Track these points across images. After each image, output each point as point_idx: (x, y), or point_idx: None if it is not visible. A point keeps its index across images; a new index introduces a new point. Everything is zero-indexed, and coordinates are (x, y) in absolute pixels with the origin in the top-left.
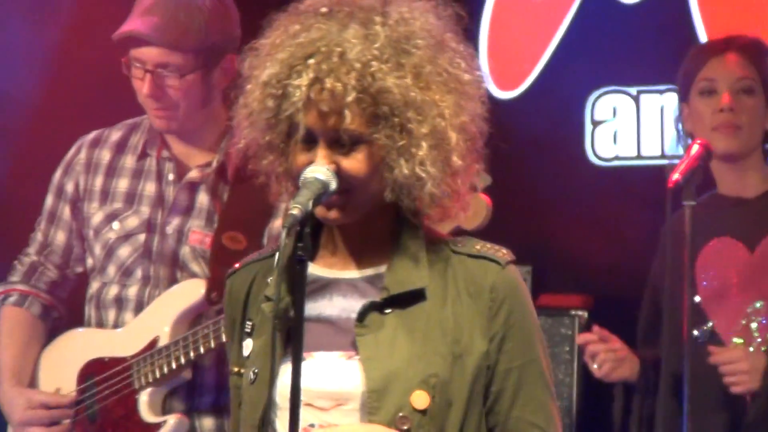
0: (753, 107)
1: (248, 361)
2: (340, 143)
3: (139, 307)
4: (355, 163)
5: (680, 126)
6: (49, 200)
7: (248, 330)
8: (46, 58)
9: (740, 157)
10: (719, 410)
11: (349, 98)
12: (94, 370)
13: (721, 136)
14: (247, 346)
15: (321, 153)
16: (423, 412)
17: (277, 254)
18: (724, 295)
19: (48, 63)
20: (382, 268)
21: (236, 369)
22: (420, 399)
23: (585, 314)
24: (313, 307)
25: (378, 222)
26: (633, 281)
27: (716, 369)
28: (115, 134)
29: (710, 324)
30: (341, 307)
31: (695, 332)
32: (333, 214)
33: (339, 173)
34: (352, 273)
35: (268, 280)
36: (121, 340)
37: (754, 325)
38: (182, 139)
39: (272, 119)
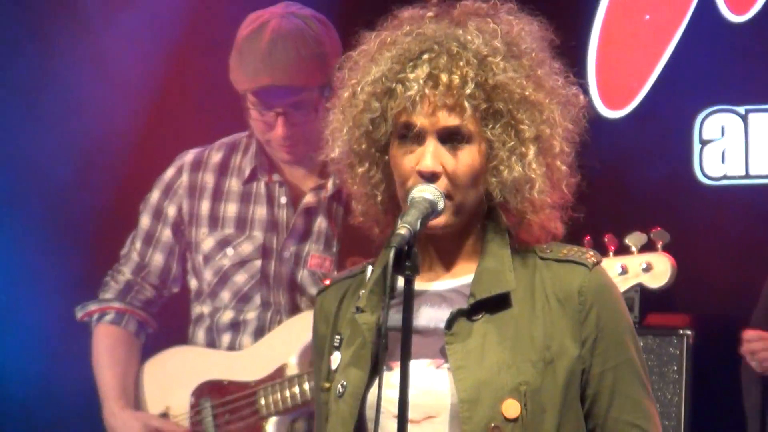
0: None
1: (336, 374)
2: (450, 142)
3: (260, 332)
4: (463, 163)
5: None
6: (146, 221)
7: (336, 344)
8: (147, 82)
9: None
10: None
11: (467, 91)
12: (210, 392)
13: None
14: (335, 359)
15: (429, 150)
16: (515, 420)
17: (368, 271)
18: None
19: (149, 87)
20: (470, 278)
21: (327, 385)
22: (511, 408)
23: (693, 333)
24: (401, 318)
25: (470, 233)
26: (738, 300)
27: None
28: (216, 155)
29: None
30: (429, 317)
31: None
32: (443, 219)
33: (446, 173)
34: (441, 284)
35: (360, 293)
36: (241, 364)
37: None
38: (291, 161)
39: (377, 119)
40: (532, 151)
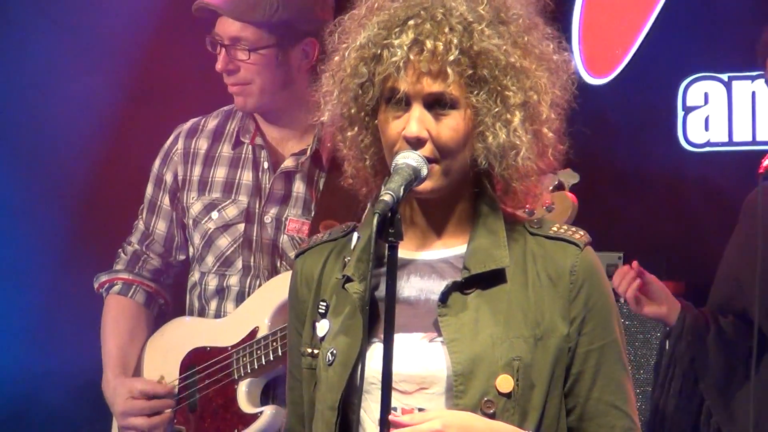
0: None
1: (324, 342)
2: (434, 107)
3: (241, 297)
4: (448, 128)
5: None
6: (150, 190)
7: (322, 310)
8: (145, 47)
9: None
10: None
11: (451, 58)
12: (196, 360)
13: None
14: (322, 326)
15: (415, 116)
16: (507, 395)
17: (354, 237)
18: None
19: (147, 53)
20: (461, 249)
21: (309, 350)
22: (505, 382)
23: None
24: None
25: (459, 201)
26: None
27: None
28: (212, 122)
29: None
30: (419, 287)
31: None
32: (429, 185)
33: (432, 138)
34: (430, 254)
35: (346, 260)
36: (222, 330)
37: None
38: (273, 124)
39: (363, 85)
40: (518, 117)
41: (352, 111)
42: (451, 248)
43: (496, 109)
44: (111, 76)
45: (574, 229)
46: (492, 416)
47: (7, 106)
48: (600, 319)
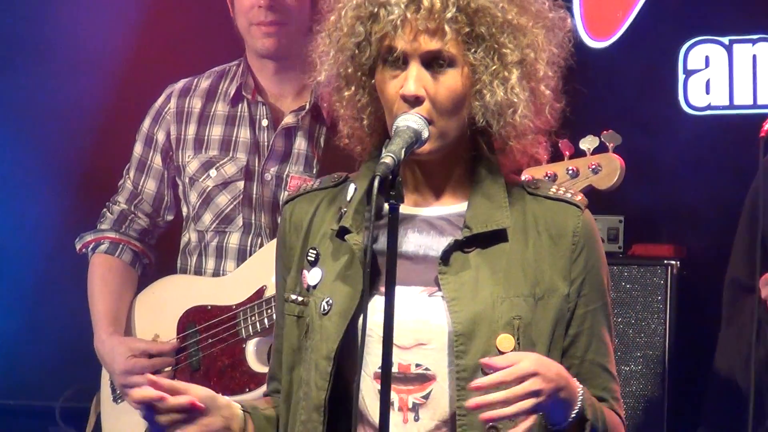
0: None
1: (316, 290)
2: (432, 66)
3: (242, 256)
4: (446, 86)
5: None
6: (138, 149)
7: (311, 258)
8: (137, 7)
9: None
10: None
11: (448, 15)
12: (195, 318)
13: None
14: (314, 275)
15: (412, 75)
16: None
17: (351, 188)
18: None
19: (138, 12)
20: (461, 207)
21: (294, 296)
22: (506, 341)
23: (677, 263)
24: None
25: (456, 159)
26: (725, 230)
27: None
28: (205, 82)
29: None
30: (417, 243)
31: None
32: (429, 146)
33: (429, 97)
34: (429, 210)
35: (342, 210)
36: (224, 288)
37: None
38: (277, 74)
39: (360, 44)
40: (515, 75)
41: (349, 70)
42: (449, 206)
43: (494, 67)
44: (111, 42)
45: (572, 191)
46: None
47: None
48: (597, 282)
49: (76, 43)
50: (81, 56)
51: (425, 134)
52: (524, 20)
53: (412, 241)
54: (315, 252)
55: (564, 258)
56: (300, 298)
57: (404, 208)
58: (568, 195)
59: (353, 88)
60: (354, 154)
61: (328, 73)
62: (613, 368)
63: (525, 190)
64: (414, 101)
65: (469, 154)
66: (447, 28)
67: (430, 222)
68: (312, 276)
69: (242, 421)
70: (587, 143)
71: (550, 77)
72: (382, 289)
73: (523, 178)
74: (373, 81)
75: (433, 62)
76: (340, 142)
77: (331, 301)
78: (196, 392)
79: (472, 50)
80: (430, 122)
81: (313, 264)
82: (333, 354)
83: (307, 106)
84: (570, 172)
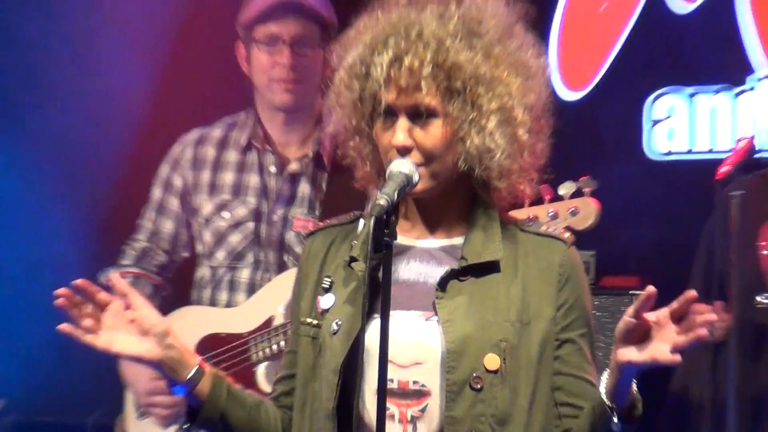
0: None
1: (329, 314)
2: (418, 117)
3: (251, 289)
4: (431, 135)
5: None
6: (157, 193)
7: (326, 286)
8: (154, 62)
9: None
10: None
11: (425, 72)
12: (210, 345)
13: None
14: (327, 300)
15: (400, 126)
16: (494, 372)
17: (360, 223)
18: None
19: (156, 68)
20: (458, 240)
21: (309, 320)
22: (492, 361)
23: (639, 293)
24: (397, 271)
25: (453, 197)
26: (683, 263)
27: None
28: (217, 131)
29: None
30: (418, 271)
31: (758, 297)
32: (421, 187)
33: (417, 145)
34: (429, 242)
35: (353, 243)
36: (236, 318)
37: None
38: (286, 127)
39: (358, 100)
40: (492, 122)
41: (353, 122)
42: (448, 239)
43: (472, 116)
44: (135, 77)
45: (559, 231)
46: (480, 390)
47: (40, 102)
48: (582, 309)
49: (102, 87)
50: (106, 98)
51: (416, 177)
52: (499, 71)
53: (413, 269)
54: (329, 280)
55: (551, 287)
56: (315, 321)
57: (406, 240)
58: (556, 233)
59: (357, 139)
60: (368, 193)
61: (335, 125)
62: (596, 380)
63: (517, 228)
64: (404, 150)
65: (465, 192)
66: (426, 83)
67: (430, 252)
68: (325, 301)
69: (196, 374)
70: (565, 188)
71: (528, 122)
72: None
73: None
74: (374, 131)
75: (419, 114)
76: (356, 183)
77: (339, 322)
78: (137, 304)
79: (452, 102)
80: (420, 166)
81: (327, 290)
82: (339, 368)
83: (310, 154)
84: (551, 214)
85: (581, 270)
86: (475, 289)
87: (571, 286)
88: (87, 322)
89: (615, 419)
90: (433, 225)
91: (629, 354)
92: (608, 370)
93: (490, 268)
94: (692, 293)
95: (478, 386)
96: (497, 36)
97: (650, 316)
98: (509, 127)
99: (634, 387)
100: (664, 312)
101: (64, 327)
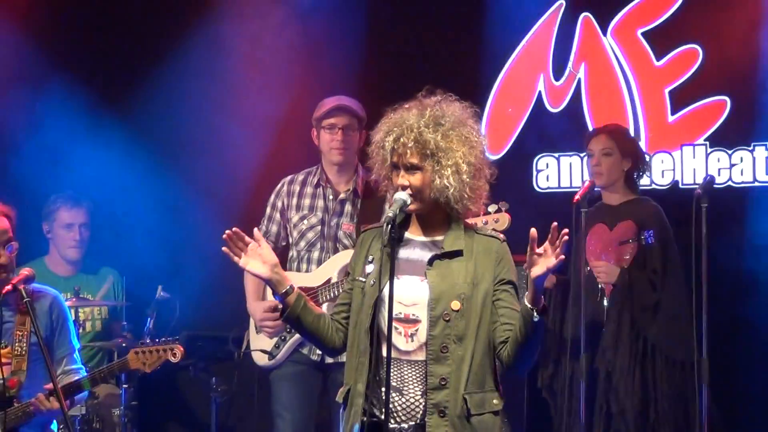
0: (611, 163)
1: (369, 276)
2: (410, 170)
3: (319, 263)
4: (416, 179)
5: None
6: (269, 210)
7: (370, 260)
8: (269, 133)
9: (609, 186)
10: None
11: (411, 145)
12: None
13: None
14: (369, 268)
15: (401, 175)
16: (457, 311)
17: (384, 230)
18: (595, 252)
19: (268, 137)
20: (439, 237)
21: (359, 278)
22: (455, 305)
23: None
24: (404, 252)
25: (436, 213)
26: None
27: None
28: (301, 176)
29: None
30: (417, 254)
31: (587, 268)
32: (412, 207)
33: (410, 185)
34: (423, 238)
35: (384, 237)
36: (310, 279)
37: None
38: (338, 175)
39: (382, 161)
40: (448, 172)
41: (383, 172)
42: (432, 237)
43: (437, 169)
44: (255, 139)
45: (498, 232)
46: (448, 321)
47: (189, 131)
48: (508, 275)
49: (232, 139)
50: (236, 148)
51: (408, 201)
52: (454, 144)
53: (415, 253)
54: (371, 257)
55: (491, 263)
56: (362, 279)
57: (413, 236)
58: (495, 234)
59: (386, 181)
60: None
61: (376, 174)
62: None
63: (473, 230)
64: (403, 187)
65: (442, 211)
66: (410, 152)
67: (424, 243)
68: (368, 268)
69: (291, 291)
70: (492, 208)
71: (471, 172)
72: (398, 275)
73: None
74: (391, 176)
75: (411, 168)
76: (387, 202)
77: (373, 282)
78: (264, 248)
79: (426, 161)
80: (413, 197)
81: (369, 263)
82: (372, 304)
83: (351, 189)
84: (484, 222)
85: (508, 254)
86: (448, 265)
87: (503, 263)
88: (236, 251)
89: (535, 313)
90: (426, 229)
91: (536, 271)
92: (526, 292)
93: (457, 254)
94: (535, 233)
95: (447, 319)
96: (451, 125)
97: (539, 249)
98: (458, 175)
99: (542, 300)
100: (545, 245)
101: (226, 249)
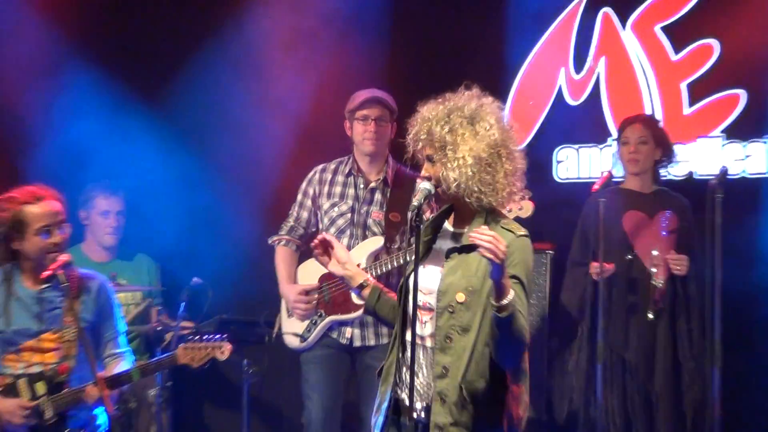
0: (647, 151)
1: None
2: (431, 161)
3: (348, 249)
4: (435, 170)
5: (617, 156)
6: (300, 197)
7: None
8: (299, 125)
9: (641, 174)
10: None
11: (423, 137)
12: (326, 278)
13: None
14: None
15: (425, 166)
16: (462, 303)
17: (410, 218)
18: (639, 236)
19: (299, 122)
20: (465, 230)
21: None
22: (461, 297)
23: (552, 253)
24: (438, 242)
25: (466, 207)
26: (569, 236)
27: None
28: (332, 165)
29: (635, 252)
30: (444, 245)
31: (629, 256)
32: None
33: (433, 175)
34: (452, 230)
35: (407, 227)
36: None
37: (654, 252)
38: (370, 165)
39: (416, 150)
40: (456, 165)
41: (417, 161)
42: (462, 229)
43: (444, 161)
44: (286, 131)
45: (519, 226)
46: (452, 312)
47: (221, 124)
48: (516, 269)
49: (266, 131)
50: (270, 138)
51: (432, 191)
52: (458, 140)
53: (445, 243)
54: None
55: (504, 256)
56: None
57: (449, 226)
58: (514, 228)
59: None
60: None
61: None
62: (526, 310)
63: (495, 222)
64: (426, 177)
65: (468, 206)
66: (423, 144)
67: (453, 235)
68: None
69: (366, 284)
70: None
71: (482, 165)
72: (425, 264)
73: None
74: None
75: (431, 160)
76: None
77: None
78: (337, 249)
79: (437, 154)
80: (436, 186)
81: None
82: (402, 288)
83: (381, 178)
84: (508, 210)
85: (522, 248)
86: (462, 258)
87: (512, 257)
88: (323, 256)
89: (495, 311)
90: (456, 220)
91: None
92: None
93: (473, 247)
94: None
95: (452, 310)
96: (462, 120)
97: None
98: (464, 169)
99: (509, 296)
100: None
101: (317, 253)
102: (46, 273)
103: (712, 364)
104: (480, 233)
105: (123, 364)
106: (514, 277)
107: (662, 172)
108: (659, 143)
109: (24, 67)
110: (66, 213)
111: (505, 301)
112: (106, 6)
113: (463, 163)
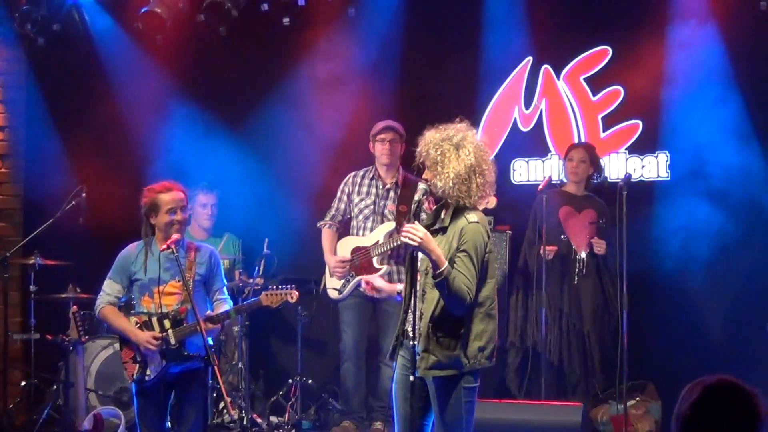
0: (584, 168)
1: None
2: (427, 169)
3: (371, 230)
4: (430, 176)
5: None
6: (338, 194)
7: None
8: (335, 142)
9: (577, 183)
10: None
11: (423, 154)
12: (356, 250)
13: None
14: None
15: (425, 171)
16: (440, 273)
17: (411, 210)
18: (569, 224)
19: (333, 141)
20: (447, 220)
21: None
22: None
23: (510, 233)
24: (437, 226)
25: (448, 204)
26: (525, 220)
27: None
28: (361, 172)
29: (567, 235)
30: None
31: (562, 236)
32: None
33: (428, 180)
34: (441, 221)
35: (410, 216)
36: (365, 241)
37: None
38: (386, 172)
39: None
40: (443, 177)
41: (420, 168)
42: (444, 218)
43: (435, 173)
44: (327, 144)
45: (476, 217)
46: (426, 274)
47: (281, 143)
48: (464, 245)
49: (314, 129)
50: (316, 150)
51: (428, 190)
52: (446, 160)
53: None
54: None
55: (458, 236)
56: None
57: (442, 215)
58: (470, 216)
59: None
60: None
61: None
62: (470, 281)
63: (463, 215)
64: (425, 181)
65: (452, 203)
66: (423, 159)
67: (441, 220)
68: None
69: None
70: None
71: (461, 179)
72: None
73: None
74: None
75: (427, 168)
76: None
77: None
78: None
79: (432, 167)
80: (431, 187)
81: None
82: (408, 257)
83: (394, 181)
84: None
85: (472, 231)
86: (442, 237)
87: (464, 237)
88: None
89: (430, 277)
90: (445, 212)
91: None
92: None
93: (443, 230)
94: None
95: (426, 272)
96: (450, 145)
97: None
98: (448, 180)
99: (443, 267)
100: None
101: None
102: (163, 247)
103: (622, 308)
104: (404, 229)
105: (225, 306)
106: (464, 251)
107: (593, 182)
108: (593, 163)
109: (144, 103)
110: (187, 201)
111: (438, 271)
112: (198, 57)
113: (447, 177)
